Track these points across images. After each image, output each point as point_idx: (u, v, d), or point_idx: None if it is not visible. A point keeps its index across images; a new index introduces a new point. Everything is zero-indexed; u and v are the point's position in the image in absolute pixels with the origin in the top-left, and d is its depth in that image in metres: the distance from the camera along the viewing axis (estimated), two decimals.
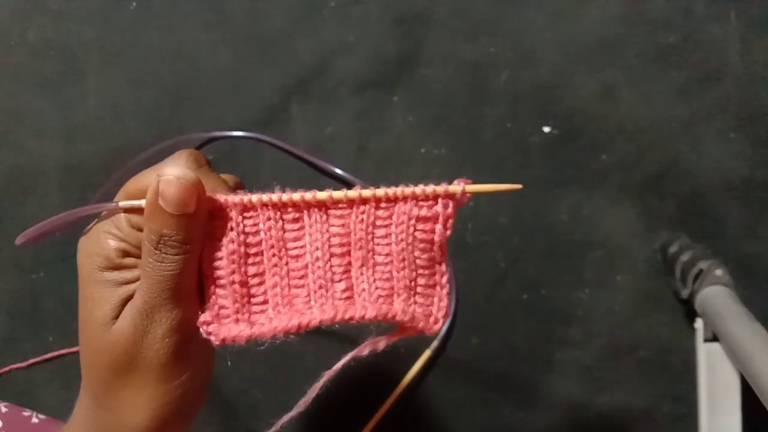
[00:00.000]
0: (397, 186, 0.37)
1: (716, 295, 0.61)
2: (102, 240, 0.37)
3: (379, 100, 0.70)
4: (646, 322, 0.68)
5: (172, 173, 0.34)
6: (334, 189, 0.37)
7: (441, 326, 0.39)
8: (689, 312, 0.66)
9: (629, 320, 0.68)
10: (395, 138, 0.70)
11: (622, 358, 0.68)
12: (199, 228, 0.36)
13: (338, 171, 0.69)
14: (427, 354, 0.67)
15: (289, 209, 0.37)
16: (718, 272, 0.61)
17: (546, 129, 0.69)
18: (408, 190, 0.37)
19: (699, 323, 0.63)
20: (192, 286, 0.37)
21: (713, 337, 0.62)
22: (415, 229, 0.37)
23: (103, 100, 0.70)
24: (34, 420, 0.67)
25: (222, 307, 0.37)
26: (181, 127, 0.69)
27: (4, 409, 0.67)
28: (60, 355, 0.69)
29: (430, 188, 0.37)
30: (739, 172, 0.68)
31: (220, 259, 0.37)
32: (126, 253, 0.37)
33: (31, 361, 0.69)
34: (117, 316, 0.36)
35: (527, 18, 0.70)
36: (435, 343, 0.67)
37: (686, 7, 0.69)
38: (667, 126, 0.69)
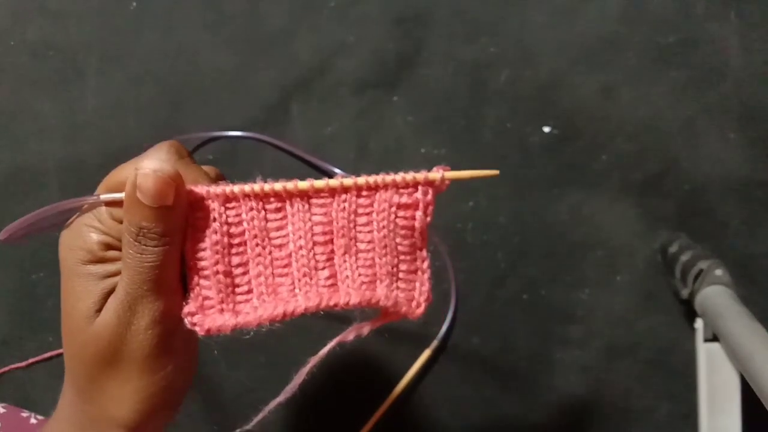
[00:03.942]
0: (378, 174, 0.37)
1: (716, 295, 0.61)
2: (84, 233, 0.37)
3: (379, 100, 0.70)
4: (646, 322, 0.68)
5: (149, 166, 0.34)
6: (316, 179, 0.37)
7: (423, 310, 0.39)
8: (689, 312, 0.66)
9: (629, 320, 0.68)
10: (395, 138, 0.70)
11: (622, 358, 0.68)
12: (179, 220, 0.36)
13: (338, 171, 0.69)
14: (427, 354, 0.67)
15: (271, 199, 0.37)
16: (718, 272, 0.61)
17: (546, 129, 0.69)
18: (388, 178, 0.37)
19: (699, 323, 0.63)
20: (174, 278, 0.37)
21: (713, 337, 0.61)
22: (396, 216, 0.37)
23: (103, 100, 0.70)
24: (33, 421, 0.67)
25: (206, 297, 0.37)
26: (181, 127, 0.70)
27: (2, 410, 0.67)
28: (60, 355, 0.69)
29: (410, 176, 0.37)
30: (739, 172, 0.68)
31: (204, 249, 0.37)
32: (109, 246, 0.37)
33: (31, 360, 0.69)
34: (100, 309, 0.36)
35: (527, 18, 0.70)
36: (435, 343, 0.67)
37: (686, 7, 0.69)
38: (667, 126, 0.69)
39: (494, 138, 0.69)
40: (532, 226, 0.69)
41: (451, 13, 0.70)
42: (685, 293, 0.64)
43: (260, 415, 0.41)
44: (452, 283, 0.68)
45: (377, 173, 0.73)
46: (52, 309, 0.69)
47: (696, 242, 0.66)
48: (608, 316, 0.68)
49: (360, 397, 0.67)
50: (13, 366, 0.69)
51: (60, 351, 0.69)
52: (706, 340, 0.62)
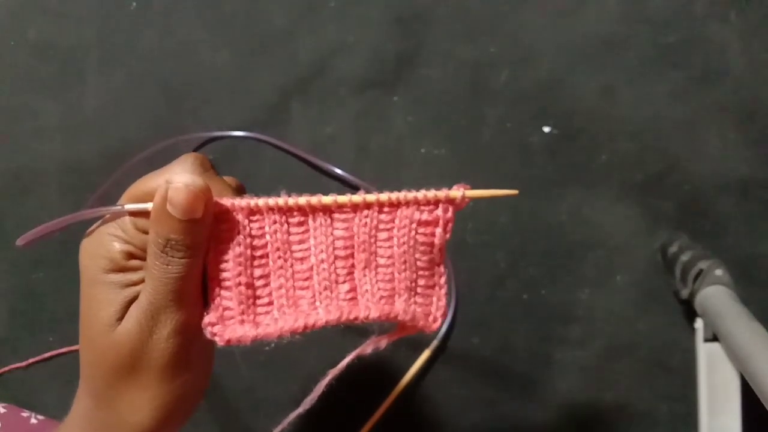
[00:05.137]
0: (398, 191, 0.38)
1: (716, 295, 0.61)
2: (107, 242, 0.37)
3: (379, 100, 0.70)
4: (646, 322, 0.68)
5: (181, 180, 0.35)
6: (335, 190, 0.38)
7: (439, 325, 0.40)
8: (689, 312, 0.66)
9: (629, 320, 0.68)
10: (395, 138, 0.70)
11: (622, 358, 0.68)
12: (205, 232, 0.36)
13: (338, 171, 0.69)
14: (427, 354, 0.67)
15: (295, 213, 0.38)
16: (718, 272, 0.61)
17: (546, 129, 0.69)
18: (410, 195, 0.38)
19: (699, 323, 0.63)
20: (196, 289, 0.37)
21: (713, 337, 0.62)
22: (417, 233, 0.38)
23: (103, 100, 0.70)
24: (33, 421, 0.67)
25: (227, 308, 0.38)
26: (181, 127, 0.69)
27: (2, 410, 0.67)
28: (60, 355, 0.69)
29: (431, 193, 0.38)
30: (739, 172, 0.68)
31: (227, 261, 0.37)
32: (131, 256, 0.37)
33: (31, 360, 0.69)
34: (121, 318, 0.37)
35: (527, 18, 0.70)
36: (435, 343, 0.68)
37: (686, 7, 0.69)
38: (667, 126, 0.69)
39: (494, 138, 0.69)
40: (532, 226, 0.69)
41: (451, 12, 0.70)
42: (685, 293, 0.64)
43: (279, 427, 0.42)
44: (452, 283, 0.68)
45: (377, 173, 0.73)
46: (52, 309, 0.69)
47: (696, 242, 0.66)
48: (608, 316, 0.68)
49: (360, 397, 0.67)
50: (13, 366, 0.69)
51: (60, 351, 0.69)
52: (706, 340, 0.62)
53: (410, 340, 0.68)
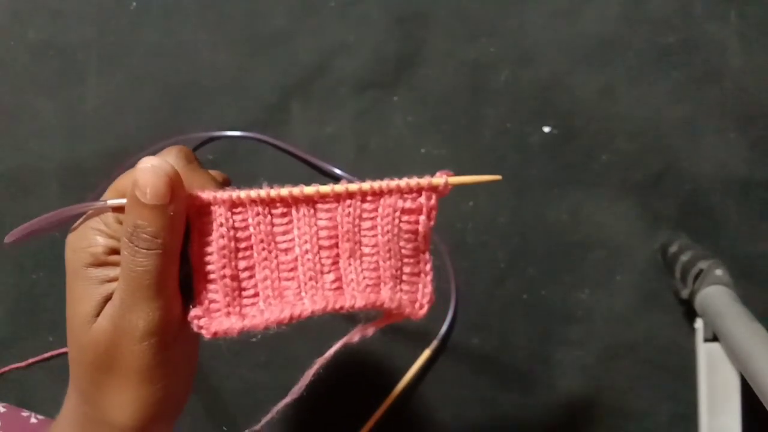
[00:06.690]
0: (382, 180, 0.38)
1: (716, 295, 0.61)
2: (90, 236, 0.36)
3: (379, 100, 0.70)
4: (646, 322, 0.68)
5: (150, 163, 0.34)
6: (317, 179, 0.37)
7: (426, 312, 0.40)
8: (689, 312, 0.66)
9: (629, 320, 0.68)
10: (395, 138, 0.70)
11: (622, 358, 0.68)
12: (175, 223, 0.35)
13: (338, 171, 0.69)
14: (426, 354, 0.67)
15: (278, 204, 0.38)
16: (718, 272, 0.61)
17: (546, 129, 0.69)
18: (393, 183, 0.38)
19: (699, 323, 0.63)
20: (171, 287, 0.36)
21: (713, 337, 0.61)
22: (400, 221, 0.38)
23: (103, 100, 0.70)
24: (33, 420, 0.67)
25: (212, 301, 0.38)
26: (181, 127, 0.69)
27: (2, 410, 0.67)
28: (60, 355, 0.69)
29: (414, 181, 0.38)
30: (739, 172, 0.68)
31: (211, 254, 0.37)
32: (113, 251, 0.36)
33: (31, 360, 0.69)
34: (98, 314, 0.36)
35: (527, 18, 0.70)
36: (435, 343, 0.67)
37: (686, 7, 0.69)
38: (667, 126, 0.69)
39: (494, 138, 0.69)
40: (532, 226, 0.69)
41: (451, 13, 0.70)
42: (685, 293, 0.64)
43: (268, 416, 0.42)
44: (452, 283, 0.68)
45: (377, 173, 0.73)
46: (52, 309, 0.69)
47: (696, 242, 0.66)
48: (608, 316, 0.68)
49: (360, 397, 0.67)
50: (13, 366, 0.69)
51: (59, 351, 0.69)
52: (706, 340, 0.62)
53: (410, 340, 0.68)
